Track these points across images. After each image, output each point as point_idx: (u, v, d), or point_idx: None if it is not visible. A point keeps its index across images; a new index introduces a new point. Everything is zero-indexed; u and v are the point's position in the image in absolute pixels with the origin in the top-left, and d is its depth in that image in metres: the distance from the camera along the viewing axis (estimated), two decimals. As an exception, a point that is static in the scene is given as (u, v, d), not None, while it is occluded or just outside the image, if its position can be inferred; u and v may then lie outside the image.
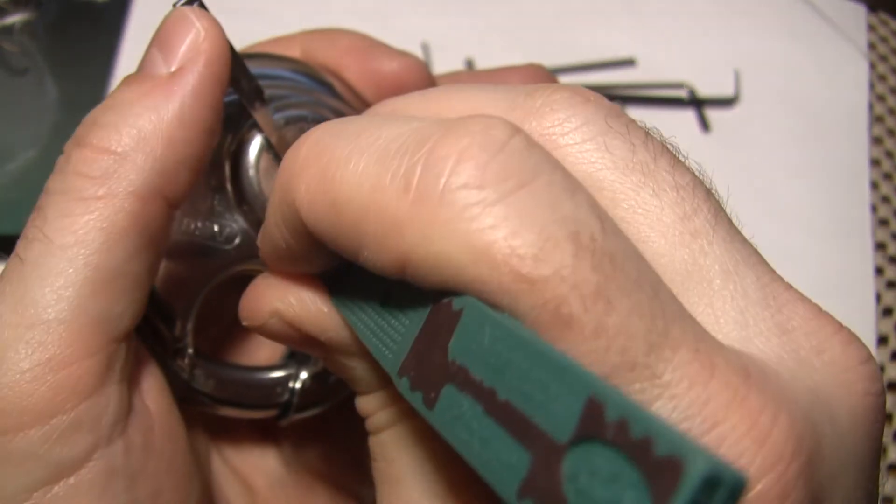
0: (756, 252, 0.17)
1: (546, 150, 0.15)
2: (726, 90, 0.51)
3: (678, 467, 0.11)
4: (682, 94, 0.51)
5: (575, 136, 0.17)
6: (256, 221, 0.25)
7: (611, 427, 0.12)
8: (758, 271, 0.17)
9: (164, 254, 0.23)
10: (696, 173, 0.18)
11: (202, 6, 0.22)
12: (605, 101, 0.18)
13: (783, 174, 0.49)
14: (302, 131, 0.18)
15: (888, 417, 0.43)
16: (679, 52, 0.52)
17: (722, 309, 0.16)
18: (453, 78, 0.33)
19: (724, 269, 0.16)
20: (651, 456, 0.11)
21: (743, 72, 0.52)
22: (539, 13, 0.53)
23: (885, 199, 0.49)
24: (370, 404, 0.20)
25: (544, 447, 0.12)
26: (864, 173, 0.49)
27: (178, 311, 0.25)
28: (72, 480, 0.20)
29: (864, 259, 0.47)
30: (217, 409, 0.26)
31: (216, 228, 0.25)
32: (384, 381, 0.19)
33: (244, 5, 0.49)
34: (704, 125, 0.50)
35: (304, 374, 0.27)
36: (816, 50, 0.53)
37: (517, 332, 0.14)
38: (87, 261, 0.20)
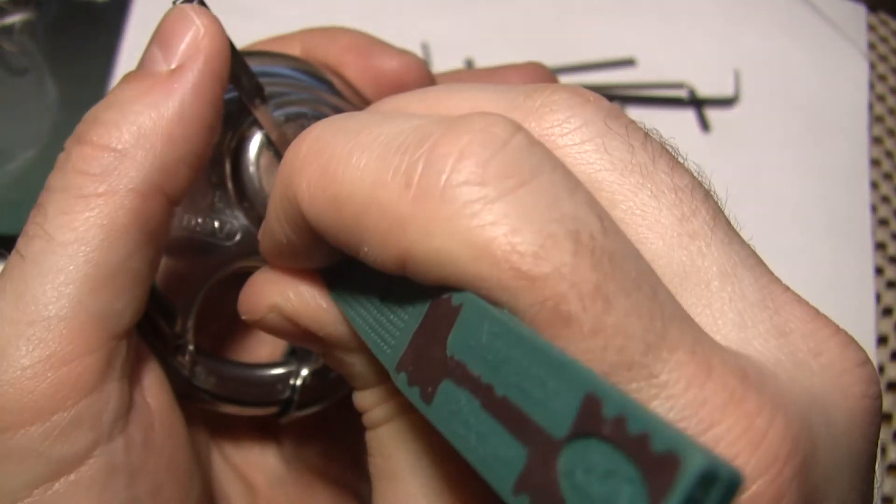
0: (754, 254, 0.17)
1: (547, 148, 0.15)
2: (726, 90, 0.51)
3: (675, 463, 0.11)
4: (682, 94, 0.51)
5: (574, 137, 0.17)
6: (257, 218, 0.25)
7: (608, 423, 0.12)
8: (756, 273, 0.17)
9: (165, 250, 0.23)
10: (695, 175, 0.18)
11: (202, 4, 0.22)
12: (605, 102, 0.18)
13: (783, 174, 0.49)
14: (302, 128, 0.18)
15: (888, 417, 0.43)
16: (679, 52, 0.52)
17: (720, 310, 0.16)
18: (453, 77, 0.33)
19: (723, 270, 0.16)
20: (648, 452, 0.11)
21: (743, 72, 0.52)
22: (539, 13, 0.53)
23: (885, 199, 0.49)
24: (367, 400, 0.20)
25: (541, 443, 0.13)
26: (864, 173, 0.49)
27: (178, 308, 0.25)
28: (72, 477, 0.20)
29: (864, 259, 0.47)
30: (218, 406, 0.26)
31: (217, 225, 0.25)
32: (382, 377, 0.19)
33: (244, 4, 0.49)
34: (704, 125, 0.50)
35: (304, 372, 0.27)
36: (816, 50, 0.53)
37: (516, 328, 0.14)
38: (88, 258, 0.20)
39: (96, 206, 0.20)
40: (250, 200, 0.25)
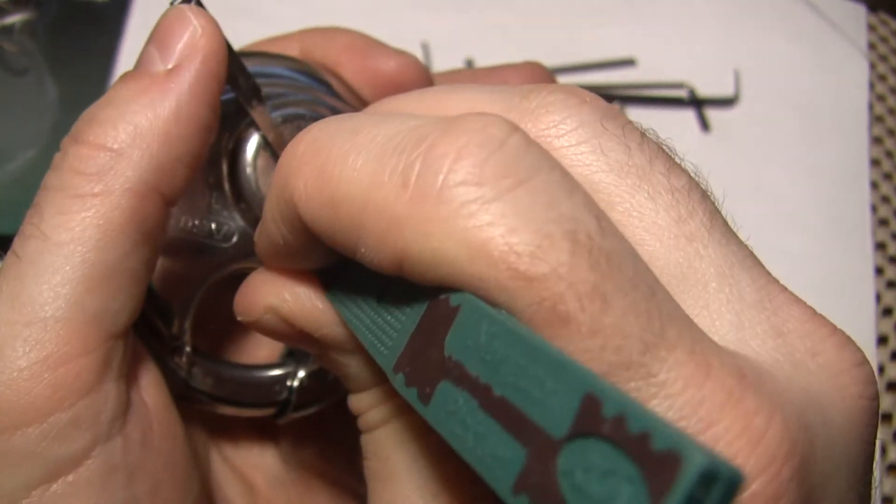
0: (752, 255, 0.17)
1: (544, 148, 0.15)
2: (726, 90, 0.51)
3: (676, 462, 0.11)
4: (682, 94, 0.51)
5: (570, 139, 0.17)
6: (254, 219, 0.25)
7: (608, 422, 0.12)
8: (753, 274, 0.17)
9: (162, 251, 0.23)
10: (692, 175, 0.18)
11: (199, 4, 0.22)
12: (602, 103, 0.18)
13: (783, 174, 0.49)
14: (299, 129, 0.18)
15: (888, 417, 0.43)
16: (679, 52, 0.52)
17: (717, 311, 0.16)
18: (452, 76, 0.33)
19: (720, 271, 0.16)
20: (648, 451, 0.11)
21: (743, 72, 0.52)
22: (539, 13, 0.53)
23: (885, 199, 0.49)
24: (364, 402, 0.20)
25: (540, 443, 0.13)
26: (864, 173, 0.49)
27: (175, 309, 0.25)
28: (70, 478, 0.20)
29: (864, 259, 0.47)
30: (215, 408, 0.26)
31: (213, 226, 0.25)
32: (378, 378, 0.19)
33: (242, 4, 0.49)
34: (704, 125, 0.50)
35: (302, 373, 0.27)
36: (816, 50, 0.53)
37: (514, 328, 0.14)
38: (84, 258, 0.20)
39: (92, 205, 0.20)
40: (247, 202, 0.25)
